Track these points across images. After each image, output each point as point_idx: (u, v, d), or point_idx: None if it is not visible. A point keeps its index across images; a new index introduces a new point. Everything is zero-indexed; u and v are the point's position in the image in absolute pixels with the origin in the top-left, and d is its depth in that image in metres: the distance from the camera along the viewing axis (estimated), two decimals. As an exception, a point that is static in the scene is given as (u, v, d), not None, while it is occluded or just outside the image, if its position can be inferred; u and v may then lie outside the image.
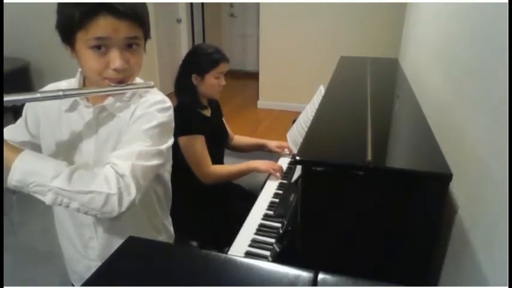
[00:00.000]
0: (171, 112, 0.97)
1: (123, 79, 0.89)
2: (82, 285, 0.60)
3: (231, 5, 6.13)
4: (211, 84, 1.64)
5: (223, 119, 1.91)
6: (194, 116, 1.65)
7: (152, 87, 0.93)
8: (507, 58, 0.75)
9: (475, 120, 0.94)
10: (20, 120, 1.02)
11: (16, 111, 1.03)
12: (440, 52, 1.52)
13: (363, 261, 0.98)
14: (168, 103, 0.97)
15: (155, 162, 0.90)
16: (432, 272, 1.05)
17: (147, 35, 0.92)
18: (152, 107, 0.93)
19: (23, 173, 0.78)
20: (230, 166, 1.74)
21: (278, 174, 1.67)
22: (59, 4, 0.84)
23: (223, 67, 1.64)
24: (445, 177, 0.85)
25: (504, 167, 0.71)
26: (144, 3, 0.88)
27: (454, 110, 1.15)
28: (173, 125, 0.99)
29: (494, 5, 0.90)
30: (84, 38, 0.82)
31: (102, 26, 0.81)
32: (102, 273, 0.63)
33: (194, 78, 1.63)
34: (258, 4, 4.59)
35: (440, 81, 1.43)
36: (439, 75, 1.46)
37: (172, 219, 1.23)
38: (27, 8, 3.25)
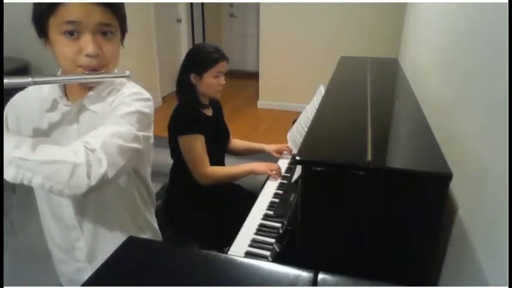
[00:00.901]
0: (149, 104, 0.94)
1: (96, 67, 0.86)
2: (82, 285, 0.60)
3: (231, 5, 6.13)
4: (210, 83, 1.63)
5: (225, 120, 1.91)
6: (195, 115, 1.65)
7: (128, 76, 0.90)
8: (507, 58, 0.75)
9: (475, 120, 0.94)
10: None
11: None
12: (440, 52, 1.52)
13: (363, 261, 0.98)
14: (146, 95, 0.94)
15: (132, 144, 0.85)
16: (432, 272, 1.05)
17: (123, 27, 0.89)
18: (128, 97, 0.91)
19: None
20: (228, 168, 1.74)
21: (276, 174, 1.67)
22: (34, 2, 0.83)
23: (221, 66, 1.63)
24: (445, 177, 0.85)
25: (504, 166, 0.71)
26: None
27: (454, 110, 1.15)
28: (152, 118, 0.96)
29: (494, 5, 0.90)
30: (55, 23, 0.81)
31: (73, 8, 0.79)
32: (102, 273, 0.63)
33: (193, 78, 1.62)
34: (258, 4, 4.59)
35: (440, 81, 1.43)
36: (439, 75, 1.46)
37: (172, 219, 1.23)
38: (27, 8, 3.24)
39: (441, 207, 0.90)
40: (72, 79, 0.88)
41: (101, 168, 0.77)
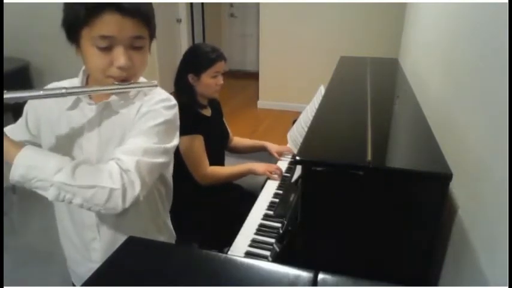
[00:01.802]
0: (176, 110, 0.97)
1: (126, 77, 0.88)
2: (82, 285, 0.60)
3: (231, 5, 6.13)
4: (208, 83, 1.63)
5: (224, 119, 1.91)
6: (193, 116, 1.65)
7: (156, 86, 0.93)
8: (507, 58, 0.75)
9: (475, 120, 0.94)
10: (20, 120, 1.01)
11: (16, 112, 1.03)
12: (440, 52, 1.52)
13: (363, 261, 0.98)
14: (173, 101, 0.97)
15: (161, 160, 0.90)
16: (432, 272, 1.05)
17: (152, 35, 0.91)
18: (158, 104, 0.93)
19: (25, 168, 0.78)
20: (227, 168, 1.74)
21: (276, 176, 1.66)
22: (66, 3, 0.84)
23: (219, 66, 1.63)
24: (445, 177, 0.85)
25: (504, 167, 0.71)
26: (150, 3, 0.89)
27: (454, 110, 1.15)
28: (178, 123, 0.99)
29: (494, 5, 0.90)
30: (89, 35, 0.82)
31: (107, 23, 0.80)
32: (102, 273, 0.63)
33: (191, 78, 1.62)
34: (258, 4, 4.59)
35: (440, 81, 1.43)
36: (439, 75, 1.46)
37: (172, 219, 1.23)
38: (27, 8, 3.25)
39: (441, 207, 0.90)
40: (102, 89, 0.89)
41: (134, 191, 0.83)
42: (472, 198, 0.90)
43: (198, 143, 1.60)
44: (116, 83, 0.87)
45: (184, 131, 1.59)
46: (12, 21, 3.18)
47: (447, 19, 1.48)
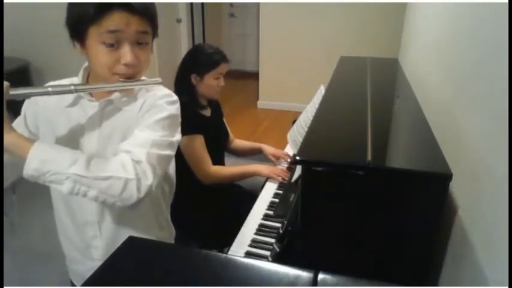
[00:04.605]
0: (178, 106, 0.99)
1: (132, 74, 0.90)
2: (82, 285, 0.60)
3: (231, 5, 6.13)
4: (210, 84, 1.64)
5: (224, 120, 1.91)
6: (193, 115, 1.65)
7: (160, 83, 0.95)
8: (507, 58, 0.75)
9: (475, 120, 0.94)
10: (19, 119, 1.01)
11: (16, 111, 1.02)
12: (440, 52, 1.52)
13: (363, 261, 0.98)
14: (175, 97, 0.99)
15: (168, 152, 0.92)
16: (432, 272, 1.05)
17: (155, 33, 0.94)
18: (162, 99, 0.95)
19: (39, 162, 0.78)
20: (232, 168, 1.73)
21: (280, 178, 1.66)
22: (70, 2, 0.85)
23: (223, 68, 1.64)
24: (445, 177, 0.85)
25: (504, 167, 0.71)
26: (154, 4, 0.91)
27: (454, 110, 1.15)
28: (180, 119, 1.00)
29: (494, 5, 0.90)
30: (97, 32, 0.84)
31: (116, 19, 0.83)
32: (102, 273, 0.63)
33: (193, 78, 1.62)
34: (258, 4, 4.59)
35: (440, 81, 1.43)
36: (439, 75, 1.46)
37: (172, 220, 1.23)
38: (27, 7, 3.25)
39: (441, 207, 0.90)
40: (108, 87, 0.91)
41: (147, 180, 0.84)
42: (472, 198, 0.90)
43: (198, 143, 1.60)
44: (121, 80, 0.89)
45: (184, 131, 1.60)
46: (12, 21, 3.18)
47: (447, 19, 1.48)
